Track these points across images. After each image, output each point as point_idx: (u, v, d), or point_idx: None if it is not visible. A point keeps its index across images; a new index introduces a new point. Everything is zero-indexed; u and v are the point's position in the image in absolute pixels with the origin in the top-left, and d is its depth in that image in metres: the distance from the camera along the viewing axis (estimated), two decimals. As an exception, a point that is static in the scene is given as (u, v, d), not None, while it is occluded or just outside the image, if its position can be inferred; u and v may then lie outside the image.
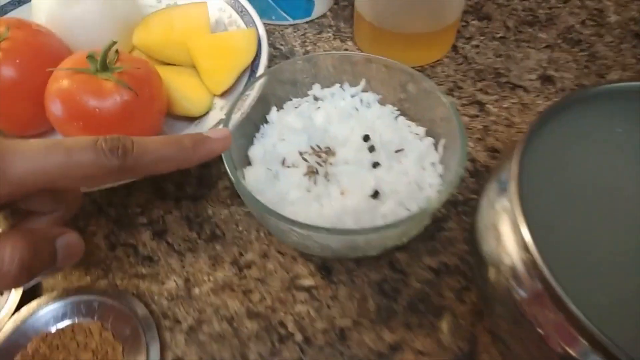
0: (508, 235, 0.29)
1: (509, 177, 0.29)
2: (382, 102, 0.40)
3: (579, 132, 0.32)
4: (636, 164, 0.30)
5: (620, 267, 0.27)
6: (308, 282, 0.34)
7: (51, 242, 0.22)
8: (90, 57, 0.36)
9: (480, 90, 0.46)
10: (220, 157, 0.33)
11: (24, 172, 0.20)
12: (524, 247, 0.27)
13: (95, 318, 0.33)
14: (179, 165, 0.25)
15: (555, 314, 0.26)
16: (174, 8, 0.45)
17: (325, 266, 0.35)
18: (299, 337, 0.32)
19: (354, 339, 0.32)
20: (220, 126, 0.35)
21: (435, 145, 0.37)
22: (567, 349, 0.25)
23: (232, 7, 0.46)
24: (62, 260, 0.22)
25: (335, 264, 0.35)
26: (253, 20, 0.44)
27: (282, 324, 0.33)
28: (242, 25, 0.45)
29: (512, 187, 0.28)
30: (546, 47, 0.50)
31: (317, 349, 0.31)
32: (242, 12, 0.46)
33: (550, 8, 0.54)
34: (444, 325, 0.33)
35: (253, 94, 0.37)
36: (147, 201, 0.39)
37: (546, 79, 0.47)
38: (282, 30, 0.52)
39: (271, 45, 0.50)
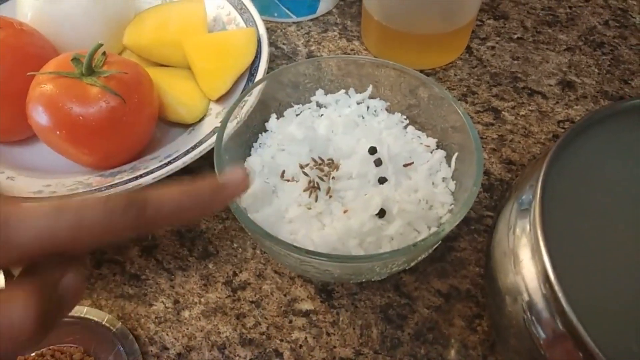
0: (528, 263, 0.26)
1: (530, 199, 0.27)
2: (390, 110, 0.38)
3: (606, 149, 0.29)
4: None
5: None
6: (307, 306, 0.32)
7: (57, 288, 0.19)
8: (75, 59, 0.33)
9: (496, 96, 0.43)
10: (214, 168, 0.30)
11: (31, 238, 0.18)
12: (545, 279, 0.24)
13: (77, 342, 0.31)
14: (197, 217, 0.25)
15: (576, 356, 0.23)
16: (169, 5, 0.42)
17: (326, 289, 0.33)
18: (295, 368, 0.30)
19: (355, 371, 0.29)
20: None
21: (447, 158, 0.34)
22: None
23: (231, 4, 0.43)
24: (69, 304, 0.20)
25: (337, 286, 0.33)
26: (253, 18, 0.42)
27: (278, 353, 0.30)
28: (242, 23, 0.42)
29: (535, 213, 0.25)
30: (566, 49, 0.47)
31: (315, 382, 0.29)
32: (241, 10, 0.43)
33: (571, 7, 0.51)
34: (453, 356, 0.30)
35: (251, 100, 0.34)
36: (137, 214, 0.36)
37: (566, 85, 0.44)
38: (284, 29, 0.49)
39: (272, 44, 0.48)
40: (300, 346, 0.30)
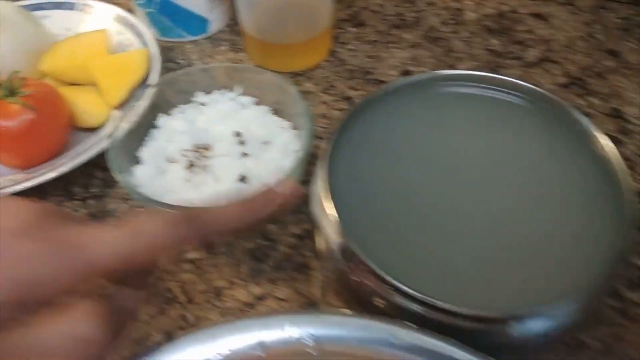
0: (322, 202, 0.32)
1: (329, 151, 0.35)
2: (258, 104, 0.48)
3: (387, 117, 0.37)
4: (438, 135, 0.37)
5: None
6: (194, 255, 0.42)
7: (120, 299, 0.23)
8: (0, 85, 0.43)
9: (351, 87, 0.54)
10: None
11: (107, 260, 0.21)
12: (328, 205, 0.32)
13: None
14: (251, 225, 0.26)
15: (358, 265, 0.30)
16: (77, 35, 0.52)
17: (210, 242, 0.43)
18: (182, 298, 0.39)
19: (227, 295, 0.39)
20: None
21: (299, 136, 0.45)
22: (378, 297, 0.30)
23: (130, 31, 0.53)
24: (130, 314, 0.23)
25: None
26: (147, 41, 0.52)
27: (169, 290, 0.40)
28: (139, 45, 0.52)
29: (323, 163, 0.33)
30: (411, 46, 0.58)
31: (197, 306, 0.39)
32: (138, 35, 0.53)
33: (417, 11, 0.63)
34: (302, 277, 0.40)
35: (142, 104, 0.44)
36: (58, 203, 0.45)
37: (405, 73, 0.55)
38: (182, 47, 0.59)
39: (172, 60, 0.58)
40: (186, 283, 0.40)
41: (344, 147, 0.36)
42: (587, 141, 0.34)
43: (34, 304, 0.19)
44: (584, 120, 0.34)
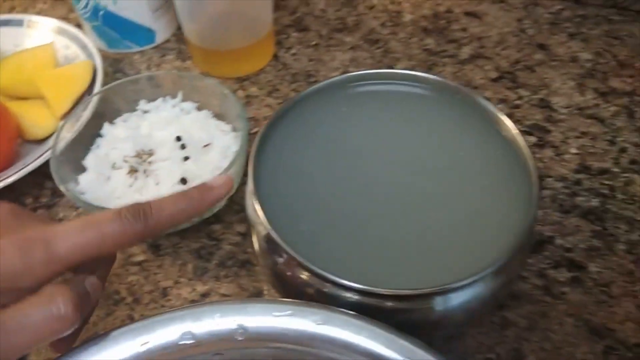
0: (252, 199, 0.34)
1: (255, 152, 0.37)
2: (199, 109, 0.50)
3: (311, 116, 0.40)
4: (358, 130, 0.39)
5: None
6: (140, 258, 0.43)
7: (83, 284, 0.25)
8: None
9: (294, 90, 0.56)
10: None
11: (68, 251, 0.24)
12: (256, 203, 0.33)
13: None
14: (192, 215, 0.29)
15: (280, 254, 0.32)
16: (24, 51, 0.53)
17: (156, 244, 0.44)
18: (129, 299, 0.41)
19: (173, 294, 0.41)
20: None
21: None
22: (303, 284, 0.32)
23: (75, 44, 0.55)
24: (94, 297, 0.26)
25: (165, 241, 0.44)
26: (92, 53, 0.53)
27: (117, 292, 0.41)
28: (85, 58, 0.54)
29: (250, 163, 0.35)
30: (350, 48, 0.61)
31: (144, 306, 0.40)
32: (83, 48, 0.54)
33: (357, 15, 0.65)
34: (245, 273, 0.42)
35: (84, 114, 0.46)
36: (8, 213, 0.46)
37: (345, 73, 0.57)
38: (130, 57, 0.61)
39: (120, 71, 0.59)
40: (134, 285, 0.42)
41: (270, 147, 0.38)
42: (495, 126, 0.37)
43: (17, 291, 0.23)
44: (491, 108, 0.37)
